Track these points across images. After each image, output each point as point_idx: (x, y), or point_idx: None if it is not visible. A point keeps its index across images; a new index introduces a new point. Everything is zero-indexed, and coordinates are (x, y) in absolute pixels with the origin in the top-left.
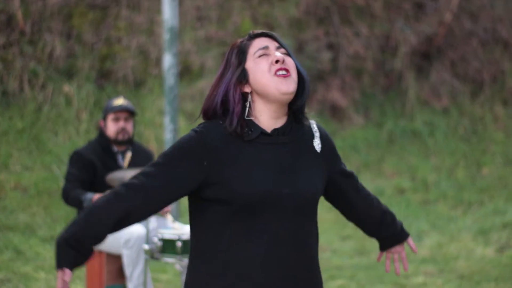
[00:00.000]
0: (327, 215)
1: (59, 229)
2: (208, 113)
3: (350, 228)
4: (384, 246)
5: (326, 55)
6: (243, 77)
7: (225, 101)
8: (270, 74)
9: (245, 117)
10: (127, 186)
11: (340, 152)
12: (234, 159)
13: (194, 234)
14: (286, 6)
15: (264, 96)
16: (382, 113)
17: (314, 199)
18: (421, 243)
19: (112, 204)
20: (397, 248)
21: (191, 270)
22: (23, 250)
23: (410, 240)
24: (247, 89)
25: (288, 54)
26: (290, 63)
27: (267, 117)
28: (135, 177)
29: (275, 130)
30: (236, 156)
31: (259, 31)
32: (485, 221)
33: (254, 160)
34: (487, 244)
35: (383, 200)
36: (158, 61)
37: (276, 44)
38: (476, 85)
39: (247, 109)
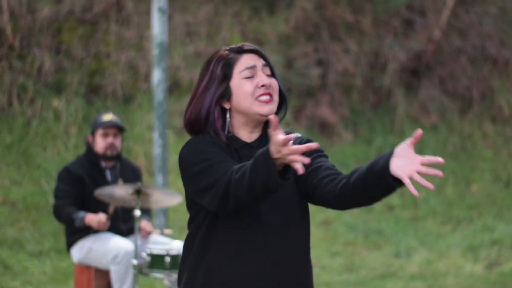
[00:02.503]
0: (316, 231)
1: (47, 244)
2: (195, 126)
3: (339, 244)
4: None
5: (315, 71)
6: (226, 95)
7: (209, 113)
8: (253, 98)
9: (226, 133)
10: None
11: None
12: None
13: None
14: (275, 22)
15: (243, 115)
16: (371, 129)
17: (296, 212)
18: (410, 260)
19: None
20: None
21: None
22: (11, 265)
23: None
24: (226, 106)
25: (272, 73)
26: (274, 85)
27: (245, 132)
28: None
29: (254, 142)
30: None
31: (248, 46)
32: (474, 238)
33: None
34: (476, 261)
35: (372, 217)
36: (147, 76)
37: (263, 62)
38: (465, 102)
39: (227, 125)
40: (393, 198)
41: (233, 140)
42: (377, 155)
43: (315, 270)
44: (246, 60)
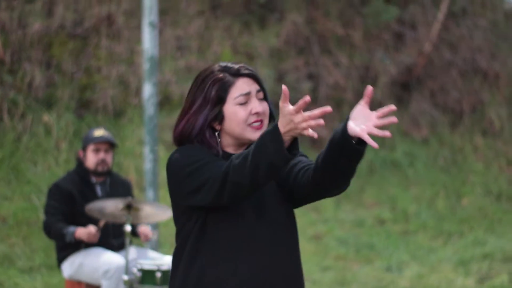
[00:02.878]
0: (307, 246)
1: (38, 260)
2: (185, 142)
3: (331, 259)
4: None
5: (306, 85)
6: (218, 118)
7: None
8: (245, 125)
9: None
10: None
11: None
12: None
13: None
14: (266, 36)
15: (233, 138)
16: None
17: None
18: (401, 274)
19: None
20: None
21: None
22: (2, 281)
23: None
24: (217, 127)
25: (265, 96)
26: (266, 111)
27: (232, 150)
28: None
29: None
30: None
31: (245, 70)
32: (465, 251)
33: None
34: (468, 275)
35: (364, 231)
36: (138, 91)
37: (257, 87)
38: (455, 116)
39: (219, 145)
40: (384, 212)
41: (223, 153)
42: (368, 169)
43: (306, 285)
44: (242, 85)
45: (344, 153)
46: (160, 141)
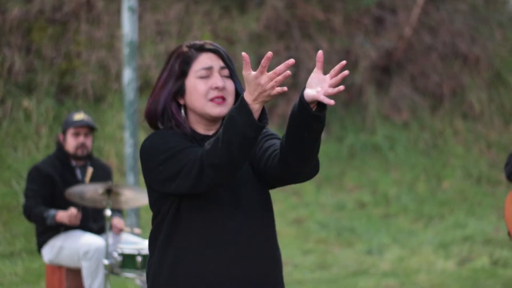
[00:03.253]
0: (288, 229)
1: (18, 245)
2: (153, 120)
3: (312, 242)
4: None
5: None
6: (180, 91)
7: (165, 108)
8: (205, 100)
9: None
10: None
11: None
12: None
13: None
14: (246, 20)
15: (196, 114)
16: (342, 127)
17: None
18: (382, 257)
19: None
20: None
21: None
22: None
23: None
24: (181, 102)
25: (231, 74)
26: (229, 88)
27: (201, 129)
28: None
29: (213, 134)
30: None
31: (209, 45)
32: (445, 234)
33: None
34: (448, 258)
35: (344, 214)
36: (118, 76)
37: (221, 64)
38: (436, 99)
39: (185, 121)
40: (365, 196)
41: (192, 133)
42: (349, 153)
43: (287, 268)
44: (204, 60)
45: (306, 122)
46: (141, 126)
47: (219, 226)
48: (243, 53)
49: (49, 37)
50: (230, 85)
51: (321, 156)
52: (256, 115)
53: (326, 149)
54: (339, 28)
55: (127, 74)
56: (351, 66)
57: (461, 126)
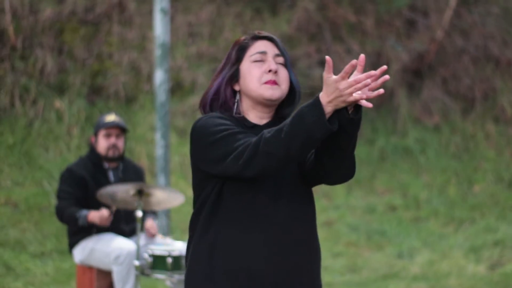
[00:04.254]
0: (318, 232)
1: (49, 245)
2: (205, 105)
3: (342, 245)
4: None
5: (318, 72)
6: (235, 77)
7: (218, 95)
8: (259, 83)
9: (234, 114)
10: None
11: None
12: None
13: None
14: (277, 22)
15: (251, 99)
16: (373, 130)
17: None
18: (412, 261)
19: None
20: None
21: None
22: (13, 266)
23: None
24: (236, 88)
25: (285, 63)
26: (283, 74)
27: (253, 116)
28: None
29: (263, 125)
30: None
31: (265, 33)
32: (476, 238)
33: None
34: (479, 262)
35: (375, 217)
36: (150, 77)
37: (276, 51)
38: (467, 102)
39: (235, 105)
40: (396, 199)
41: (243, 120)
42: (380, 156)
43: None
44: (259, 45)
45: (340, 126)
46: (172, 128)
47: (259, 213)
48: (327, 57)
49: (81, 38)
50: (283, 71)
51: None
52: (327, 117)
53: (357, 151)
54: (370, 30)
55: (159, 76)
56: None
57: (492, 129)
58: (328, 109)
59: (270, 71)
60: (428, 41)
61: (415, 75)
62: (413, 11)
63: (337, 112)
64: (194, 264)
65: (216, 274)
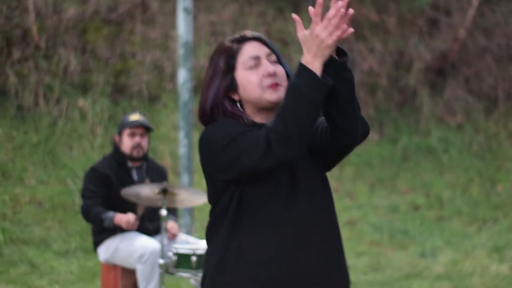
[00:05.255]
0: (341, 231)
1: (74, 243)
2: (204, 119)
3: (365, 244)
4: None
5: None
6: (232, 87)
7: (217, 107)
8: (260, 89)
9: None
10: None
11: (354, 168)
12: None
13: None
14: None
15: (254, 105)
16: (396, 129)
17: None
18: (435, 260)
19: None
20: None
21: None
22: (38, 264)
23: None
24: (235, 97)
25: (278, 59)
26: (280, 73)
27: (259, 119)
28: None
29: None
30: None
31: (250, 34)
32: (500, 238)
33: None
34: (502, 261)
35: (398, 217)
36: (173, 76)
37: (267, 50)
38: (490, 102)
39: (244, 113)
40: (419, 198)
41: (250, 122)
42: (402, 155)
43: None
44: (249, 50)
45: (335, 77)
46: (195, 126)
47: (281, 215)
48: (293, 15)
49: (104, 37)
50: (280, 70)
51: (375, 157)
52: (318, 73)
53: (380, 151)
54: (393, 29)
55: (182, 75)
56: (405, 67)
57: None
58: (316, 64)
59: (269, 74)
60: (450, 40)
61: (438, 74)
62: (436, 10)
63: (327, 65)
64: (219, 276)
65: (244, 283)
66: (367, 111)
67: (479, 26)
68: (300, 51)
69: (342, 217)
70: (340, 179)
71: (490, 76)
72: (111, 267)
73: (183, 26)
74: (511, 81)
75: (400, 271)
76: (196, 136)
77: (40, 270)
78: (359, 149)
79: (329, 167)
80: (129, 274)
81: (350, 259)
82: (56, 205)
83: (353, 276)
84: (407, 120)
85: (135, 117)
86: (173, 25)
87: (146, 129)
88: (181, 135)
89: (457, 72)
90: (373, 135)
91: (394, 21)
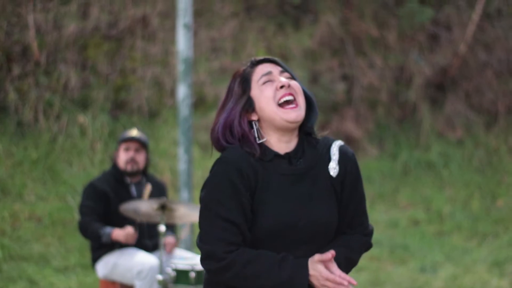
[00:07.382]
0: None
1: (73, 259)
2: (218, 144)
3: (365, 259)
4: None
5: (341, 86)
6: (249, 106)
7: (230, 129)
8: (275, 103)
9: (257, 141)
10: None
11: None
12: (260, 189)
13: None
14: (300, 37)
15: (270, 123)
16: (396, 144)
17: (329, 228)
18: (436, 275)
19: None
20: None
21: None
22: (37, 280)
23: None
24: (254, 117)
25: (292, 77)
26: (295, 86)
27: (276, 141)
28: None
29: (287, 154)
30: (261, 186)
31: (261, 57)
32: (500, 252)
33: (275, 190)
34: (502, 276)
35: (398, 231)
36: (173, 92)
37: (280, 69)
38: (490, 116)
39: (255, 133)
40: (419, 213)
41: (264, 151)
42: (402, 170)
43: None
44: (262, 68)
45: None
46: (195, 142)
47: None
48: (331, 251)
49: (105, 53)
50: (294, 83)
51: (375, 173)
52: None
53: (380, 165)
54: (393, 44)
55: (182, 91)
56: (405, 83)
57: None
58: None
59: (282, 86)
60: (451, 55)
61: (438, 89)
62: (436, 26)
63: None
64: None
65: None
66: (367, 126)
67: (479, 41)
68: (299, 67)
69: None
70: None
71: (490, 91)
72: (110, 283)
73: (183, 42)
74: (511, 95)
75: (400, 286)
76: (196, 152)
77: (39, 286)
78: (359, 164)
79: None
80: None
81: (350, 274)
82: (55, 221)
83: None
84: (407, 135)
85: (132, 132)
86: (173, 41)
87: (141, 145)
88: (181, 151)
89: (457, 87)
90: (373, 150)
91: (395, 36)
